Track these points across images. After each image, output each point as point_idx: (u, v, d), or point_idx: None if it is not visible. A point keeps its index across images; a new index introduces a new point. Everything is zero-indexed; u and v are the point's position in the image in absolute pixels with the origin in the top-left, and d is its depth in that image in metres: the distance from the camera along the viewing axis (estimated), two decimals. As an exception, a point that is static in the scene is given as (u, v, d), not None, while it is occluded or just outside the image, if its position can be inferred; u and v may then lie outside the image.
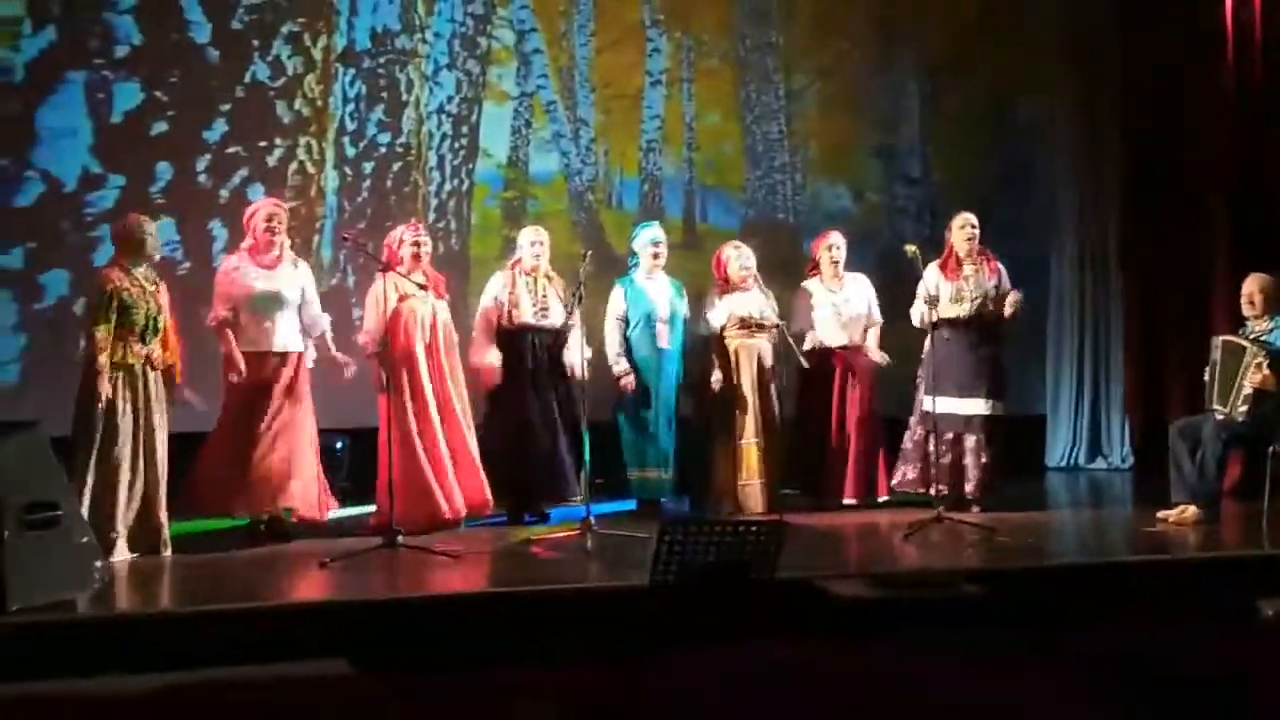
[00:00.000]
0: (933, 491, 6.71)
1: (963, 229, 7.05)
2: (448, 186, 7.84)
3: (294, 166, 7.10)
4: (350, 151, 7.43)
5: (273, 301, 6.26)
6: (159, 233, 6.10)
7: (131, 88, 6.55)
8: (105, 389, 5.72)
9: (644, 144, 8.76)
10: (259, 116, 6.93)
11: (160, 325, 5.95)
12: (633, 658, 1.94)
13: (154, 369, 5.92)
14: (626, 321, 7.09)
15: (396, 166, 7.66)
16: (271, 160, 7.02)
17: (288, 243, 6.40)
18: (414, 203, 7.75)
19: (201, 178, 6.83)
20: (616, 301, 7.13)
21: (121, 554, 5.79)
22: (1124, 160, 9.01)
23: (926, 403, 6.86)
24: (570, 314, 6.66)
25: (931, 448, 6.83)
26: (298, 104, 7.03)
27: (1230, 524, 6.52)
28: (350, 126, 7.38)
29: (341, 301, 7.52)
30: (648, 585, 4.52)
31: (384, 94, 7.49)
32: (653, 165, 8.76)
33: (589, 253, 6.59)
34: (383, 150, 7.57)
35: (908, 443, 7.10)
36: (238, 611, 4.84)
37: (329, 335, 6.48)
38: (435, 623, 4.89)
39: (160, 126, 6.58)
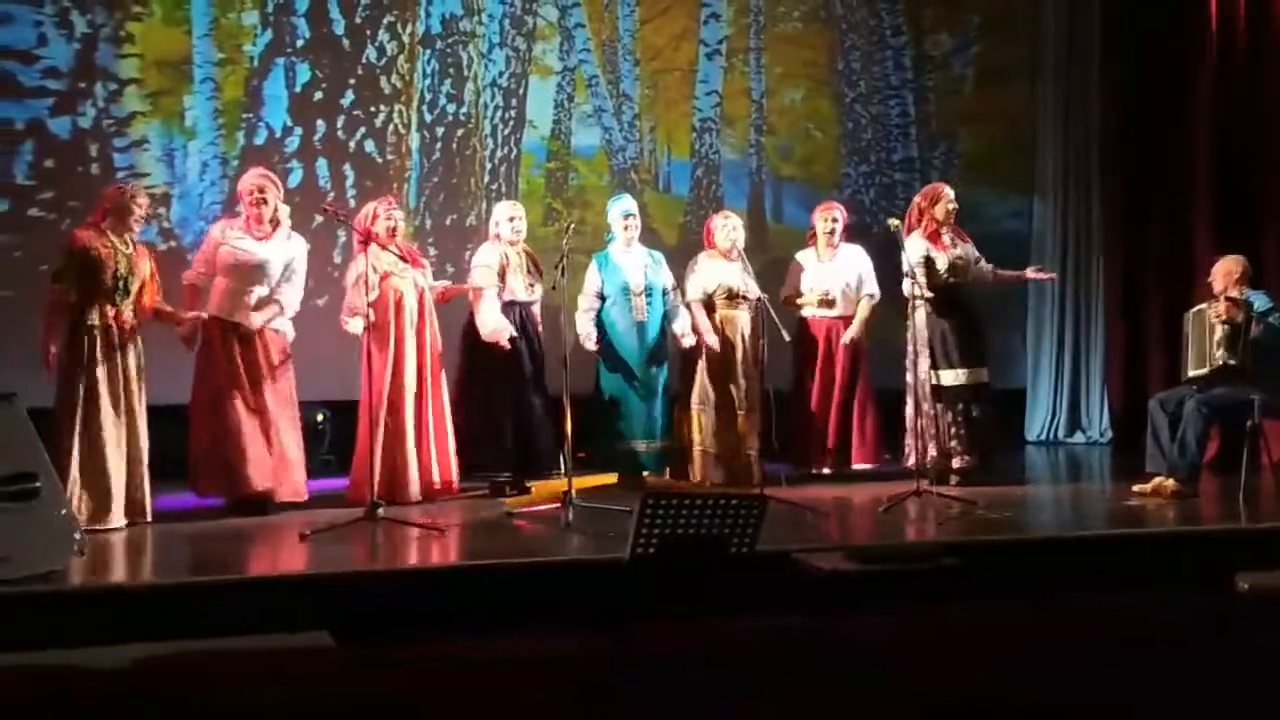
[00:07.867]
0: (926, 462, 6.75)
1: (952, 203, 7.01)
2: (499, 154, 8.49)
3: (391, 128, 8.32)
4: (428, 118, 8.41)
5: (256, 272, 6.19)
6: (147, 204, 6.13)
7: (304, 67, 8.12)
8: (53, 346, 5.75)
9: (696, 123, 8.48)
10: (371, 88, 8.26)
11: (130, 288, 5.89)
12: (612, 630, 1.95)
13: (123, 330, 5.87)
14: (602, 297, 7.06)
15: (460, 133, 8.45)
16: (378, 122, 8.29)
17: (286, 211, 6.35)
18: (474, 165, 8.46)
19: (340, 133, 8.19)
20: (591, 276, 7.11)
21: (117, 520, 5.77)
22: (1106, 130, 8.92)
23: (912, 374, 6.87)
24: (554, 286, 6.62)
25: (919, 420, 6.86)
26: (394, 78, 8.29)
27: (1208, 498, 6.55)
28: (428, 97, 8.40)
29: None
30: (627, 558, 4.52)
31: (451, 70, 8.40)
32: (707, 148, 8.50)
33: (572, 225, 6.54)
34: (450, 118, 8.43)
35: (907, 418, 7.09)
36: (217, 584, 4.83)
37: (289, 310, 6.32)
38: (416, 595, 4.89)
39: (318, 95, 8.14)
